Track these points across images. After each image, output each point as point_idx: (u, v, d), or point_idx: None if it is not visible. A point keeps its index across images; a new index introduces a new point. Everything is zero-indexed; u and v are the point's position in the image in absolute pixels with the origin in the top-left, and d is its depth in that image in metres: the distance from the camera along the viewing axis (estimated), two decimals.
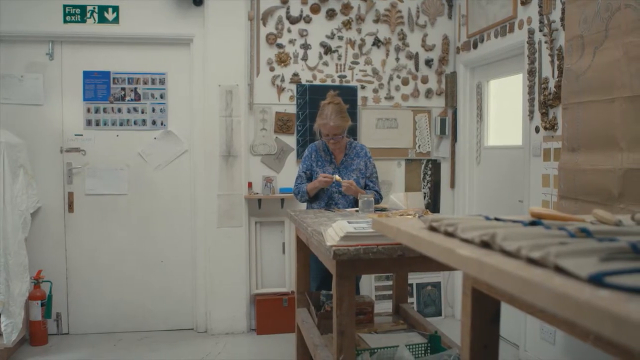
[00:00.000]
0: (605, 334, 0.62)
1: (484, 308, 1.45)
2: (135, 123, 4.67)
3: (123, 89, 4.63)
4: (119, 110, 4.64)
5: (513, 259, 0.93)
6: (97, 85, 4.61)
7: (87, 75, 4.58)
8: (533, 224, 1.17)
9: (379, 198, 3.74)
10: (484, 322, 1.46)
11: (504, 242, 0.98)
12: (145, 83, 4.67)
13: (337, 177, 3.60)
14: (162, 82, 4.68)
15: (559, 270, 0.81)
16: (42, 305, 4.28)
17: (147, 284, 4.71)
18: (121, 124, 4.65)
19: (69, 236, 4.58)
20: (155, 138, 4.68)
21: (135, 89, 4.65)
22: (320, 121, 3.68)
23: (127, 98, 4.65)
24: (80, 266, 4.59)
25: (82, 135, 4.59)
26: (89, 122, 4.60)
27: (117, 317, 4.66)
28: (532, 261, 0.89)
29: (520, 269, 0.85)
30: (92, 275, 4.60)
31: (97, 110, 4.62)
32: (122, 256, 4.67)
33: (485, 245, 1.05)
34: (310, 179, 3.79)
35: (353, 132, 4.75)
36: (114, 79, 4.62)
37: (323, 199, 3.74)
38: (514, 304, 1.29)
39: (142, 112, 4.68)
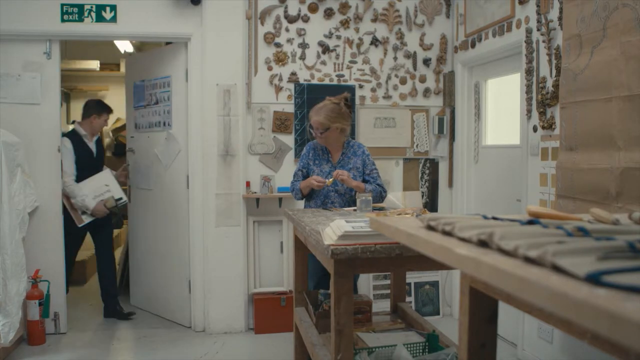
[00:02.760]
0: (602, 332, 0.63)
1: (482, 307, 1.46)
2: (157, 125, 4.96)
3: (150, 94, 4.96)
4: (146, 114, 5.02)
5: (510, 258, 0.93)
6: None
7: None
8: (530, 223, 1.17)
9: (382, 191, 3.74)
10: (482, 321, 1.46)
11: (501, 241, 0.98)
12: (161, 87, 4.91)
13: (329, 180, 3.61)
14: (168, 84, 4.79)
15: (557, 269, 0.82)
16: (39, 304, 4.27)
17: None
18: (149, 127, 5.02)
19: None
20: (166, 139, 4.77)
21: (156, 93, 4.95)
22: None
23: (152, 102, 4.99)
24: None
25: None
26: None
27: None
28: (529, 260, 0.89)
29: (518, 268, 0.85)
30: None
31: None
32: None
33: (483, 244, 1.05)
34: (306, 177, 3.80)
35: (351, 131, 4.74)
36: (145, 86, 4.96)
37: (319, 197, 3.74)
38: (512, 303, 1.29)
39: (159, 114, 4.96)
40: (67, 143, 4.72)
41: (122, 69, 7.05)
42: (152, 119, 4.99)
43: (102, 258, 4.89)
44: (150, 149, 4.99)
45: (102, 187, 4.80)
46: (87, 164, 4.82)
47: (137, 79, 5.14)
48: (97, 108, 4.92)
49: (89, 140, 4.90)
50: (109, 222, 4.95)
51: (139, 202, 5.19)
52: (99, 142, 5.11)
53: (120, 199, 4.85)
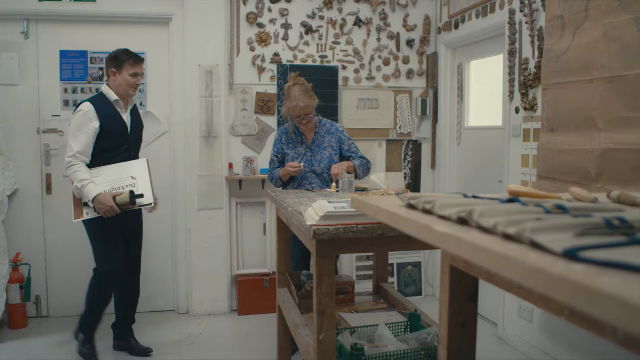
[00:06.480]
0: (579, 307, 0.63)
1: (462, 286, 1.46)
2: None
3: (101, 68, 4.54)
4: (97, 91, 4.55)
5: (490, 235, 0.93)
6: (75, 65, 4.52)
7: (63, 54, 4.48)
8: (510, 201, 1.18)
9: (367, 163, 3.77)
10: (462, 300, 1.47)
11: (480, 219, 0.98)
12: None
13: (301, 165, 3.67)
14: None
15: (535, 245, 0.82)
16: (20, 288, 4.24)
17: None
18: None
19: (47, 218, 4.52)
20: None
21: None
22: (289, 104, 3.66)
23: (105, 78, 4.56)
24: (59, 249, 4.53)
25: (59, 115, 4.51)
26: (66, 103, 4.52)
27: None
28: (508, 237, 0.89)
29: (497, 245, 0.85)
30: (71, 257, 4.54)
31: (74, 91, 4.53)
32: None
33: (463, 222, 1.05)
34: (282, 162, 3.79)
35: (334, 112, 4.73)
36: (91, 58, 4.54)
37: (296, 179, 3.74)
38: (491, 281, 1.30)
39: None
40: (88, 107, 3.47)
41: None
42: None
43: (132, 267, 3.84)
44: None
45: (127, 179, 3.57)
46: (116, 144, 3.57)
47: (62, 47, 4.47)
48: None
49: (122, 109, 3.62)
50: (140, 221, 3.87)
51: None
52: (135, 113, 3.79)
53: (141, 195, 3.52)
